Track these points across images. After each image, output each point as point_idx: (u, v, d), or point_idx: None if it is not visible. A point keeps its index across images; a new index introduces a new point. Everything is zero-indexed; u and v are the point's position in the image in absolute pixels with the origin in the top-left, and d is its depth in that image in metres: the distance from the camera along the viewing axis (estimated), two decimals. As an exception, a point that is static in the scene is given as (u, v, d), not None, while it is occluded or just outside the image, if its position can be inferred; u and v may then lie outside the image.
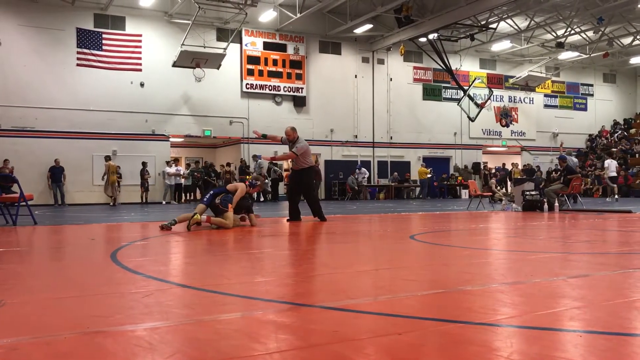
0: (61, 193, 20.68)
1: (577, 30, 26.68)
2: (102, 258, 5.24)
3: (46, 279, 4.10)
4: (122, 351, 2.20)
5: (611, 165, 24.13)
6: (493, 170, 28.50)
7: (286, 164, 24.93)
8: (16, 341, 2.33)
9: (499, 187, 20.59)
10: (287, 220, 10.29)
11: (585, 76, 34.28)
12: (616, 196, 21.92)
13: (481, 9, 22.09)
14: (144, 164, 22.40)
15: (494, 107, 31.10)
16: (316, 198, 11.04)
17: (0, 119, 20.70)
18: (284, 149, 25.43)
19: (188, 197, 23.70)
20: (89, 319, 2.76)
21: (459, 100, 27.89)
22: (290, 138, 10.38)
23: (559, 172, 14.41)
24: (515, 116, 32.05)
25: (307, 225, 9.47)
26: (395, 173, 27.74)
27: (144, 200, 22.47)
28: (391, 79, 28.30)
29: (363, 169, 26.41)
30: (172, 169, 22.71)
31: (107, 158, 20.70)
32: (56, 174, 20.70)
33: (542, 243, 6.53)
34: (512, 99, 31.91)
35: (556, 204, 13.80)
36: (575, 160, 15.72)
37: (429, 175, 27.37)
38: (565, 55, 30.86)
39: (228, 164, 24.42)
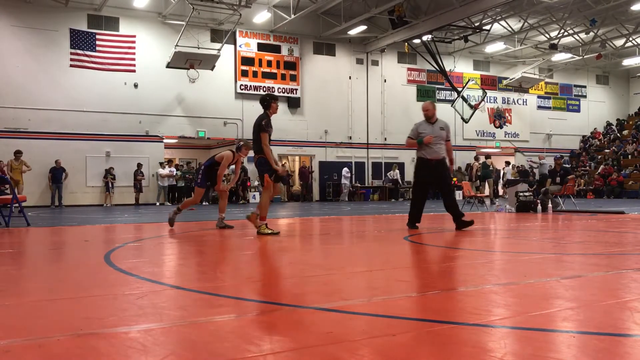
0: (59, 194, 20.62)
1: (570, 32, 26.84)
2: (96, 260, 5.21)
3: (39, 281, 4.08)
4: (116, 353, 2.19)
5: (508, 172, 24.65)
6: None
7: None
8: (9, 343, 2.32)
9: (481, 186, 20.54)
10: (410, 227, 8.49)
11: (579, 78, 34.45)
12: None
13: (475, 11, 22.16)
14: (139, 165, 22.37)
15: (488, 108, 31.19)
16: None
17: (-7, 120, 20.65)
18: (286, 149, 25.77)
19: (180, 200, 23.64)
20: (82, 321, 2.75)
21: (452, 102, 27.96)
22: (431, 114, 8.28)
23: (556, 173, 14.41)
24: (509, 117, 32.15)
25: (302, 226, 9.46)
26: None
27: (138, 202, 22.43)
28: (385, 80, 28.35)
29: (345, 169, 26.38)
30: (165, 170, 22.68)
31: (16, 152, 18.84)
32: (57, 175, 20.64)
33: (536, 244, 6.55)
34: (506, 100, 32.02)
35: (549, 205, 13.85)
36: (546, 165, 15.86)
37: None
38: (559, 57, 31.02)
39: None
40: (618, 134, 33.75)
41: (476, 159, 21.50)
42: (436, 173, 8.19)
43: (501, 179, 25.30)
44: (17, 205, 9.95)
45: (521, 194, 13.94)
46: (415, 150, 8.40)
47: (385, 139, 28.30)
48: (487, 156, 20.19)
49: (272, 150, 7.70)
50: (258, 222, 7.68)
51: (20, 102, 20.98)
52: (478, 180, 21.10)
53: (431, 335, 2.48)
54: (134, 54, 22.81)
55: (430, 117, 8.26)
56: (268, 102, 7.63)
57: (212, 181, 9.02)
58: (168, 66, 22.26)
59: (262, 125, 7.49)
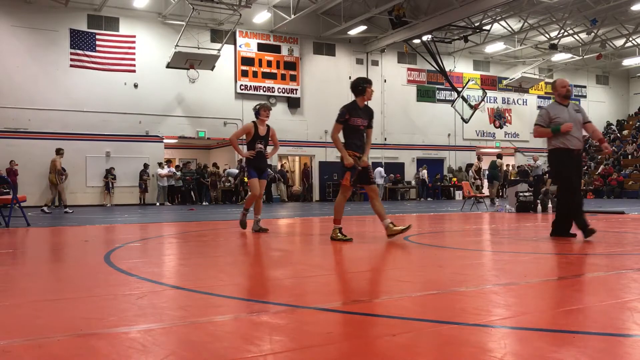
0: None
1: (570, 32, 26.85)
2: (96, 260, 5.21)
3: (39, 281, 4.08)
4: (116, 353, 2.19)
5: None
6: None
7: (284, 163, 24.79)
8: (8, 344, 2.32)
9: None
10: (555, 235, 6.90)
11: (579, 78, 34.45)
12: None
13: (475, 11, 22.16)
14: (145, 165, 22.41)
15: (488, 108, 31.20)
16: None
17: (-7, 120, 20.65)
18: (286, 149, 25.79)
19: (178, 200, 23.62)
20: (82, 321, 2.74)
21: (452, 102, 27.96)
22: (570, 93, 6.88)
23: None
24: (509, 117, 32.16)
25: (302, 226, 9.44)
26: (392, 175, 27.76)
27: (142, 202, 22.49)
28: (385, 81, 28.34)
29: (379, 169, 26.42)
30: (164, 170, 22.68)
31: (58, 152, 17.26)
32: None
33: (536, 244, 6.54)
34: (506, 100, 32.03)
35: (549, 204, 13.85)
36: (540, 167, 15.95)
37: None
38: (559, 57, 31.02)
39: (216, 165, 24.47)
40: (618, 134, 33.75)
41: (479, 158, 21.50)
42: (577, 166, 6.67)
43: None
44: (17, 205, 9.95)
45: (521, 194, 13.94)
46: (547, 140, 6.74)
47: (385, 139, 28.29)
48: (499, 156, 20.05)
49: (362, 144, 6.74)
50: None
51: (20, 102, 20.97)
52: (479, 180, 21.08)
53: (431, 335, 2.48)
54: (134, 54, 22.81)
55: (568, 97, 6.78)
56: (363, 87, 6.60)
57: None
58: (168, 66, 22.26)
59: (338, 115, 6.52)
